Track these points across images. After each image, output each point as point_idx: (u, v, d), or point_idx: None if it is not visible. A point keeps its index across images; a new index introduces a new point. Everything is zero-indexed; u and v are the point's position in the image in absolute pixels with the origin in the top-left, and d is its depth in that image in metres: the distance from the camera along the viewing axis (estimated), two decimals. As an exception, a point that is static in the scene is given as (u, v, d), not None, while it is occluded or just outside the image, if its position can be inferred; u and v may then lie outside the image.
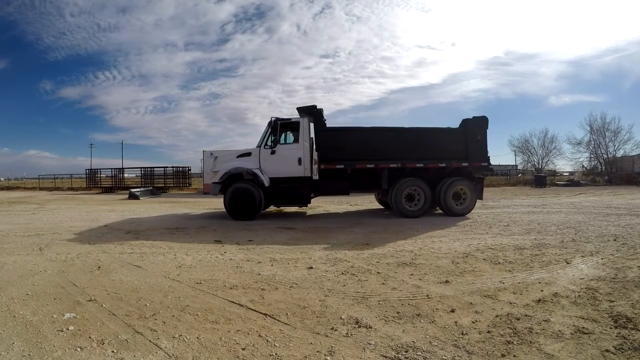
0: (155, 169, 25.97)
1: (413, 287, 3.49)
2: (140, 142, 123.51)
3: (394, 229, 7.08)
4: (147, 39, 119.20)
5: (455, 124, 9.62)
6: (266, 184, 8.78)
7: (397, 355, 2.20)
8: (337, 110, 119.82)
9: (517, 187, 26.77)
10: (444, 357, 2.16)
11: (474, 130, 9.15)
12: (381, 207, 11.12)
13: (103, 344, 2.36)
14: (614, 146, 34.36)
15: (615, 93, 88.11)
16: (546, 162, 40.61)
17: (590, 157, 36.10)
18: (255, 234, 6.78)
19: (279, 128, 8.90)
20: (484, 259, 4.53)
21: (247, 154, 9.05)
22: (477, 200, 9.35)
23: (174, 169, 25.41)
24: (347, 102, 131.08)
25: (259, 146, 9.01)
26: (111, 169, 29.14)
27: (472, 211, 9.95)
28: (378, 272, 4.02)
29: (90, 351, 2.27)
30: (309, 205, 9.38)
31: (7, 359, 2.19)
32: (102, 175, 28.96)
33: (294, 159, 8.81)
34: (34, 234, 6.90)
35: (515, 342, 2.31)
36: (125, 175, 29.76)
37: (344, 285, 3.58)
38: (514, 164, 47.42)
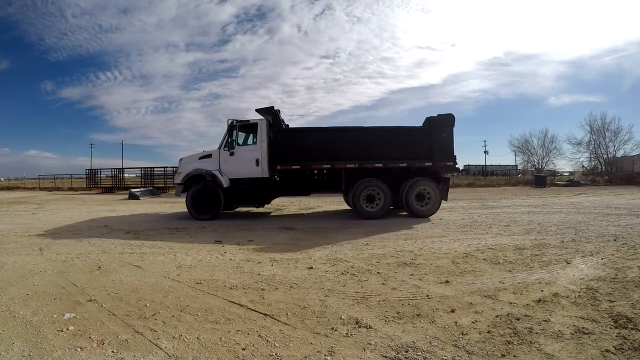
0: (155, 169, 25.97)
1: (413, 287, 3.49)
2: (141, 143, 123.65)
3: (393, 229, 7.08)
4: (148, 39, 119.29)
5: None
6: (225, 184, 8.90)
7: (397, 355, 2.19)
8: (337, 110, 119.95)
9: (517, 187, 26.74)
10: (444, 357, 2.16)
11: (439, 128, 8.80)
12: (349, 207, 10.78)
13: (103, 344, 2.36)
14: (614, 146, 34.48)
15: (614, 93, 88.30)
16: (546, 162, 40.76)
17: (590, 157, 36.22)
18: (255, 234, 6.78)
19: (237, 129, 9.06)
20: (484, 259, 4.53)
21: (208, 156, 9.19)
22: (443, 201, 9.07)
23: (174, 169, 25.36)
24: (347, 103, 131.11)
25: (219, 148, 9.10)
26: (111, 169, 29.14)
27: (472, 211, 9.96)
28: (378, 272, 4.02)
29: (90, 351, 2.27)
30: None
31: (7, 359, 2.19)
32: (102, 175, 28.91)
33: (252, 160, 8.89)
34: (34, 234, 6.90)
35: (515, 342, 2.31)
36: (125, 175, 29.75)
37: (344, 286, 3.58)
38: (514, 164, 47.58)
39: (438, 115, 8.98)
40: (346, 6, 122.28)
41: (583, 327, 2.50)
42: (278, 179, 9.19)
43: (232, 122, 8.95)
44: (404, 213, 9.25)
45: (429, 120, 9.02)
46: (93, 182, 27.36)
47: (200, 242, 5.97)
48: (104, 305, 3.05)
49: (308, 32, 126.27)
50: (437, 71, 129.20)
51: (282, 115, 9.66)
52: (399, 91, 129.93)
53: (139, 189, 20.57)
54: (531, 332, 2.46)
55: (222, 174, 8.95)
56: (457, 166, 9.18)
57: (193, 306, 3.05)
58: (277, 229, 7.43)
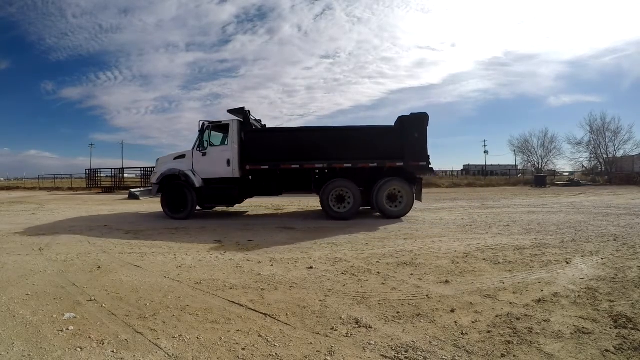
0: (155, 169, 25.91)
1: (413, 287, 3.49)
2: (141, 142, 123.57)
3: (393, 229, 7.08)
4: (148, 39, 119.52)
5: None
6: (197, 184, 9.07)
7: (397, 355, 2.19)
8: (337, 110, 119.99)
9: (517, 187, 26.76)
10: (444, 357, 2.16)
11: (411, 128, 8.53)
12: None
13: (103, 344, 2.36)
14: (614, 146, 34.56)
15: (614, 93, 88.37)
16: (546, 162, 40.82)
17: (590, 157, 36.28)
18: (255, 234, 6.78)
19: (210, 130, 9.22)
20: (484, 259, 4.53)
21: (182, 156, 9.38)
22: (417, 201, 8.92)
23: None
24: (348, 103, 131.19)
25: (192, 148, 9.24)
26: (111, 169, 29.11)
27: (472, 211, 9.95)
28: (378, 272, 4.02)
29: (90, 351, 2.27)
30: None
31: (7, 359, 2.19)
32: (102, 175, 28.94)
33: (223, 161, 9.01)
34: (34, 234, 6.90)
35: (515, 342, 2.31)
36: (125, 175, 29.75)
37: (344, 285, 3.58)
38: (514, 163, 47.62)
39: (411, 114, 8.72)
40: (346, 6, 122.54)
41: (583, 327, 2.50)
42: (251, 178, 9.27)
43: (203, 123, 9.13)
44: (378, 214, 9.07)
45: (401, 120, 8.81)
46: (93, 182, 27.33)
47: (200, 242, 5.96)
48: (103, 305, 3.05)
49: (308, 32, 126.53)
50: (437, 71, 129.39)
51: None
52: (399, 91, 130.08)
53: (139, 189, 20.54)
54: (531, 332, 2.46)
55: (194, 174, 9.13)
56: (430, 166, 8.87)
57: (193, 306, 3.05)
58: (277, 228, 7.42)
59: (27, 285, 3.64)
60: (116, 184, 26.65)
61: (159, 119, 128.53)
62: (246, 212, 10.88)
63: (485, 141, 57.12)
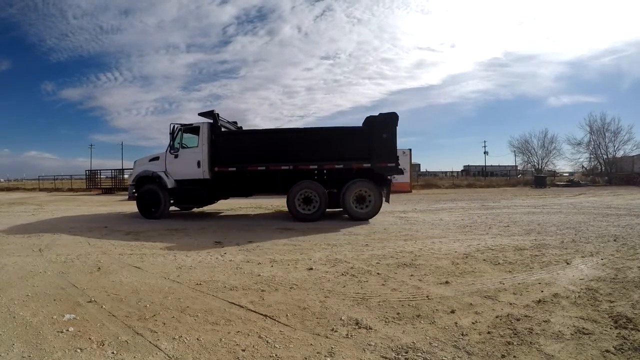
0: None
1: (413, 288, 3.49)
2: (141, 143, 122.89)
3: (393, 230, 7.08)
4: (149, 40, 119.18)
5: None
6: (169, 185, 9.32)
7: (397, 356, 2.20)
8: (337, 111, 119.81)
9: (517, 187, 26.78)
10: (444, 358, 2.16)
11: (379, 129, 8.40)
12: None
13: (103, 345, 2.36)
14: (614, 146, 34.62)
15: (613, 94, 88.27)
16: (546, 163, 40.90)
17: (590, 158, 36.35)
18: (255, 235, 6.78)
19: (182, 132, 9.43)
20: (484, 260, 4.53)
21: (156, 158, 9.64)
22: (385, 203, 8.83)
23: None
24: (348, 104, 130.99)
25: (166, 151, 9.47)
26: (111, 170, 28.98)
27: (472, 212, 9.95)
28: (378, 273, 4.01)
29: (90, 352, 2.27)
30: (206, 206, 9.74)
31: None
32: (102, 176, 28.89)
33: (194, 162, 9.20)
34: (33, 235, 6.90)
35: (515, 343, 2.31)
36: (125, 176, 29.68)
37: (344, 286, 3.58)
38: (514, 164, 47.70)
39: (379, 114, 8.57)
40: (346, 7, 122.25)
41: (583, 328, 2.50)
42: (221, 180, 9.35)
43: (174, 126, 9.33)
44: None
45: (368, 120, 8.67)
46: (93, 183, 27.34)
47: (200, 243, 5.96)
48: (104, 307, 3.05)
49: (308, 33, 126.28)
50: (437, 72, 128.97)
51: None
52: (399, 92, 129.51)
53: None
54: (531, 332, 2.46)
55: (167, 176, 9.35)
56: (399, 167, 8.73)
57: (193, 307, 3.05)
58: (276, 229, 7.42)
59: (27, 286, 3.64)
60: (116, 185, 26.60)
61: (159, 120, 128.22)
62: (221, 212, 10.87)
63: (485, 142, 57.52)
